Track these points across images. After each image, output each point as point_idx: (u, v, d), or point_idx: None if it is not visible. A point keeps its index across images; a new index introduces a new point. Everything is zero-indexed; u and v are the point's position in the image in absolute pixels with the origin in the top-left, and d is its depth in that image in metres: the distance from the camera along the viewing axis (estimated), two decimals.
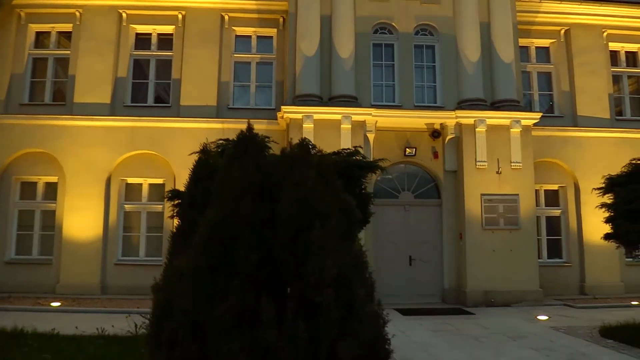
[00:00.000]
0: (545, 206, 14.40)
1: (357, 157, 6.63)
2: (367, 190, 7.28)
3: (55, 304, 11.36)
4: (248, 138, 4.10)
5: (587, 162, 14.01)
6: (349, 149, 6.57)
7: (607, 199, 9.17)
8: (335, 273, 3.54)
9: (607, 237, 9.01)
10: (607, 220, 8.87)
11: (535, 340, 8.58)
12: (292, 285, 3.58)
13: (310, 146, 4.87)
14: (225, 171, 3.94)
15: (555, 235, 14.40)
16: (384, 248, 13.09)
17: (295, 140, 4.35)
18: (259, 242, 3.64)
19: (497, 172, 12.83)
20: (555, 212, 14.42)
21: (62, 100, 14.13)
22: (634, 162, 8.65)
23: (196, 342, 3.47)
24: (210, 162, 4.63)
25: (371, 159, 12.94)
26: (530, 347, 8.07)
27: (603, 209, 9.05)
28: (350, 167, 6.21)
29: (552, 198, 14.54)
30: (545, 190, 14.44)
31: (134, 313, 9.74)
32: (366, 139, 12.82)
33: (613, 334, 8.67)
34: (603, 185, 9.19)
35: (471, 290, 12.43)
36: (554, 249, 14.36)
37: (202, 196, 4.28)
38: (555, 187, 14.48)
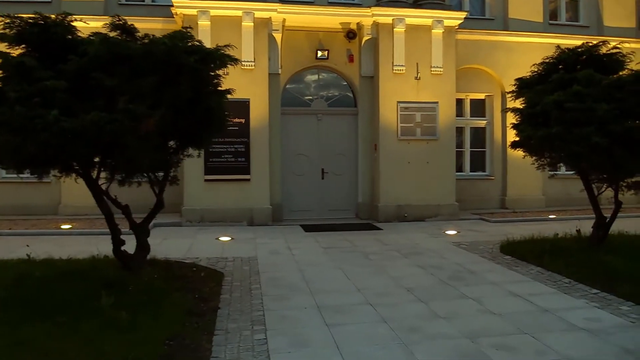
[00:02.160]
0: (471, 116, 13.51)
1: (189, 42, 5.31)
2: (217, 88, 6.03)
3: None
4: None
5: (517, 69, 12.63)
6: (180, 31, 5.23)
7: (519, 103, 8.20)
8: None
9: (513, 145, 8.15)
10: (513, 126, 7.96)
11: (429, 257, 7.87)
12: None
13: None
14: None
15: (480, 147, 13.64)
16: (294, 161, 12.08)
17: None
18: None
19: (416, 78, 11.71)
20: (481, 122, 13.57)
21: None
22: (546, 60, 7.61)
23: None
24: None
25: (279, 63, 11.66)
26: (419, 264, 7.34)
27: (515, 115, 8.10)
28: (173, 54, 4.92)
29: (478, 108, 13.63)
30: (471, 100, 13.49)
31: None
32: (272, 39, 11.38)
33: (513, 249, 8.04)
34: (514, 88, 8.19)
35: (383, 204, 11.66)
36: (478, 162, 13.65)
37: None
38: (481, 96, 13.53)
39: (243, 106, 11.20)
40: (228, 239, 9.54)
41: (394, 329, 4.66)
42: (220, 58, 5.54)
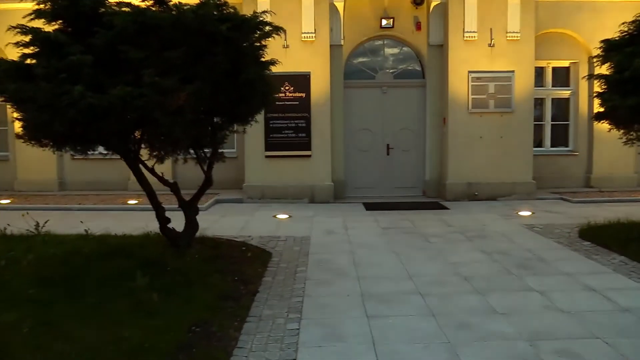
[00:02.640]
0: (552, 86, 12.29)
1: (224, 10, 4.91)
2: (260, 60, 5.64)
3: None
4: None
5: (606, 32, 11.34)
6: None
7: (606, 69, 7.20)
8: None
9: (597, 116, 7.19)
10: (598, 95, 7.00)
11: (496, 241, 7.18)
12: None
13: None
14: None
15: (563, 120, 12.44)
16: (358, 136, 11.58)
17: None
18: None
19: (490, 45, 10.75)
20: (564, 93, 12.33)
21: None
22: (639, 17, 6.56)
23: None
24: None
25: (341, 34, 11.12)
26: (483, 249, 6.69)
27: (598, 81, 7.13)
28: (203, 22, 4.56)
29: (561, 77, 12.38)
30: (553, 68, 12.25)
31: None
32: (334, 9, 10.82)
33: (594, 234, 7.17)
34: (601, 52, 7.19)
35: (452, 182, 10.93)
36: (560, 136, 12.47)
37: None
38: (565, 63, 12.25)
39: (303, 80, 10.82)
40: (286, 216, 9.29)
41: (441, 326, 4.15)
42: (257, 26, 5.12)
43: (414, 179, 11.68)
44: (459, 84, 10.84)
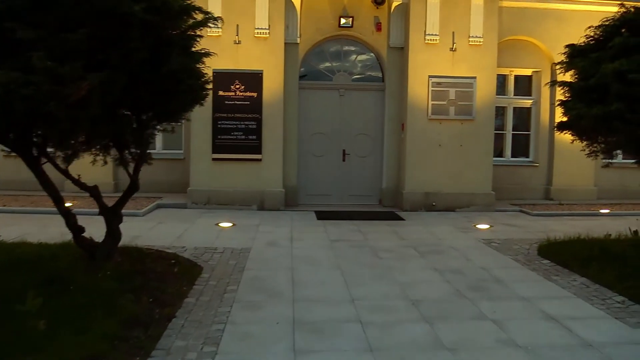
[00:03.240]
0: (515, 95, 11.97)
1: None
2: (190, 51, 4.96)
3: None
4: None
5: (570, 41, 11.26)
6: None
7: (570, 76, 6.78)
8: None
9: (559, 126, 6.76)
10: (561, 104, 6.56)
11: (450, 257, 6.65)
12: None
13: None
14: None
15: (524, 130, 12.12)
16: (313, 140, 10.96)
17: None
18: None
19: (452, 49, 10.31)
20: (526, 102, 12.02)
21: None
22: (606, 22, 6.14)
23: None
24: None
25: (298, 32, 10.50)
26: (436, 267, 6.14)
27: (561, 89, 6.70)
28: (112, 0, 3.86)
29: (524, 85, 12.07)
30: (515, 76, 11.94)
31: None
32: (290, 4, 10.19)
33: (554, 252, 6.72)
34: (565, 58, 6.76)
35: (409, 191, 10.42)
36: (521, 147, 12.15)
37: None
38: (528, 72, 11.95)
39: (255, 78, 10.14)
40: (229, 225, 8.58)
41: None
42: (182, 10, 4.44)
43: (370, 187, 11.14)
44: (419, 89, 10.35)
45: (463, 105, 10.40)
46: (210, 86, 5.76)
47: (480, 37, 10.29)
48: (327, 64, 11.05)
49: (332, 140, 11.00)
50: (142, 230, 7.83)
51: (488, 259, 6.60)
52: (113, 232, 5.81)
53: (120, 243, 5.86)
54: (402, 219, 9.49)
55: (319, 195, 10.98)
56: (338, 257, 6.55)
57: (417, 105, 10.37)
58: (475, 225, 8.89)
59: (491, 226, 8.86)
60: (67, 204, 5.31)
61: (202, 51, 5.18)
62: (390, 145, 10.95)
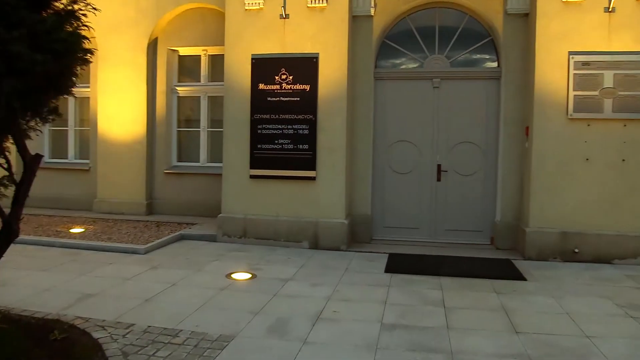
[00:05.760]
0: None
1: None
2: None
3: None
4: None
5: None
6: None
7: None
8: None
9: None
10: None
11: None
12: None
13: None
14: None
15: None
16: (393, 151, 7.81)
17: None
18: None
19: (607, 10, 6.58)
20: None
21: None
22: None
23: None
24: None
25: (372, 1, 7.50)
26: None
27: None
28: None
29: None
30: None
31: None
32: None
33: None
34: None
35: (536, 229, 6.82)
36: None
37: None
38: None
39: (308, 65, 7.28)
40: (246, 277, 5.77)
41: None
42: None
43: (476, 219, 7.67)
44: (552, 74, 6.75)
45: (627, 97, 6.59)
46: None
47: None
48: (416, 44, 7.81)
49: (422, 152, 7.74)
50: (106, 283, 5.31)
51: None
52: None
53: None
54: (522, 278, 5.95)
55: (401, 228, 7.78)
56: None
57: (550, 98, 6.76)
58: None
59: None
60: None
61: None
62: (507, 159, 7.42)
